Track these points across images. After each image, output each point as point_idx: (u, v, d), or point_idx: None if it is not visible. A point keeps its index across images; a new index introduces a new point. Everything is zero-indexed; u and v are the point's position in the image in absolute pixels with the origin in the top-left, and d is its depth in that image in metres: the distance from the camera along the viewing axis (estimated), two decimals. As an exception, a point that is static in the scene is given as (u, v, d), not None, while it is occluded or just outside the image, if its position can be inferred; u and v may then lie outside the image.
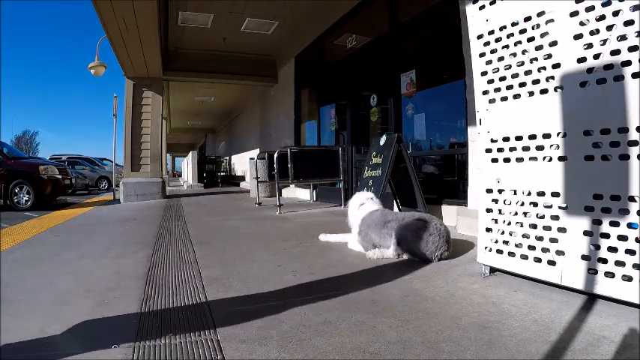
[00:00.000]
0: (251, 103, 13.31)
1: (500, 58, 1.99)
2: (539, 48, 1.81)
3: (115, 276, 2.32)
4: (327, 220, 4.47)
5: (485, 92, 2.08)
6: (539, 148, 1.83)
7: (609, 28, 1.55)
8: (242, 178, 13.70)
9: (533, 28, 1.83)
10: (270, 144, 9.84)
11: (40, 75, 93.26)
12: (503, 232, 2.02)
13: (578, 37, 1.66)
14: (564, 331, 1.43)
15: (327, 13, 6.60)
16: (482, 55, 2.08)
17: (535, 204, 1.86)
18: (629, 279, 1.51)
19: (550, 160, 1.79)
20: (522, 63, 1.89)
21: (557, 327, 1.46)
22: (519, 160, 1.93)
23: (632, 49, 1.48)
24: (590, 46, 1.62)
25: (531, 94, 1.86)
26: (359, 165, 5.81)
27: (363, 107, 6.19)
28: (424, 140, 4.91)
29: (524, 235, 1.91)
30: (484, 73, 2.08)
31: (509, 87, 1.95)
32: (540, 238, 1.83)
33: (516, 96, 1.92)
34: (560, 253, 1.75)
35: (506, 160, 1.99)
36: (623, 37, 1.52)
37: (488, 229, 2.10)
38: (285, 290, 1.98)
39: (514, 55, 1.92)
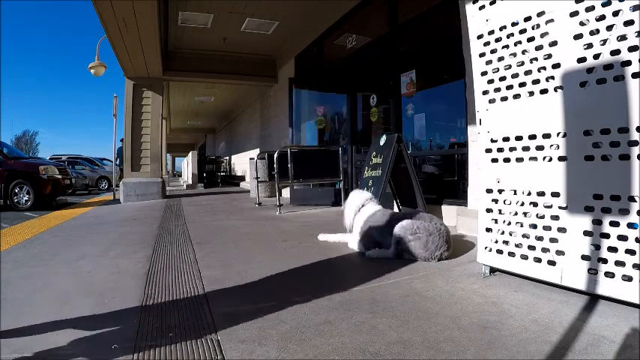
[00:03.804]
0: (251, 103, 13.32)
1: (500, 58, 1.99)
2: (539, 48, 1.81)
3: (115, 276, 2.32)
4: (327, 220, 4.46)
5: (485, 92, 2.08)
6: (539, 148, 1.83)
7: (609, 28, 1.55)
8: (242, 178, 13.70)
9: (533, 28, 1.83)
10: (270, 144, 9.84)
11: (40, 75, 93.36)
12: (503, 232, 2.02)
13: (578, 37, 1.66)
14: (564, 331, 1.43)
15: (327, 13, 6.60)
16: (482, 55, 2.08)
17: (535, 204, 1.86)
18: (629, 279, 1.51)
19: (550, 160, 1.79)
20: (522, 63, 1.89)
21: (557, 327, 1.46)
22: (519, 160, 1.93)
23: (632, 49, 1.48)
24: (590, 46, 1.62)
25: (531, 94, 1.86)
26: (359, 165, 5.82)
27: (363, 107, 6.20)
28: (424, 140, 4.92)
29: (524, 235, 1.91)
30: (484, 73, 2.08)
31: (509, 87, 1.95)
32: (540, 238, 1.83)
33: (516, 96, 1.92)
34: (560, 253, 1.75)
35: (506, 160, 1.99)
36: (623, 37, 1.52)
37: (488, 229, 2.10)
38: (285, 290, 1.98)
39: (514, 55, 1.92)
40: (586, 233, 1.65)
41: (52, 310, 1.76)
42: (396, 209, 4.03)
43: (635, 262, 1.50)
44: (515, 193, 1.96)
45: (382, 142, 3.94)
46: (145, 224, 4.52)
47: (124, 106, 7.92)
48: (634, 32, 1.48)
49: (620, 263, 1.54)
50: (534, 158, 1.86)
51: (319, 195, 6.02)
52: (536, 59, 1.82)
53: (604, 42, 1.57)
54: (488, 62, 2.05)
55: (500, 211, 2.03)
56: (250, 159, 8.21)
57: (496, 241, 2.06)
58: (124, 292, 2.00)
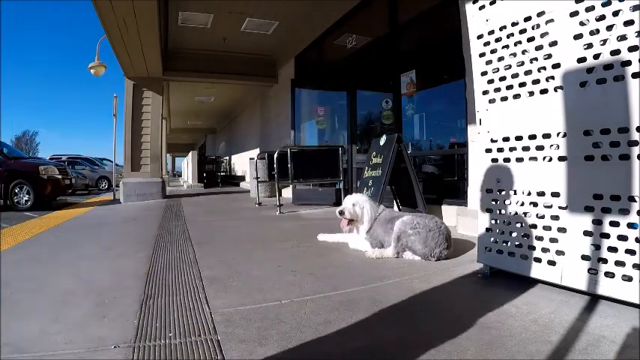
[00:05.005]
0: (251, 103, 13.32)
1: (500, 58, 1.99)
2: (539, 48, 1.81)
3: (115, 276, 2.32)
4: (327, 220, 4.46)
5: (485, 92, 2.08)
6: (539, 148, 1.83)
7: (609, 28, 1.55)
8: (242, 178, 13.70)
9: (533, 28, 1.83)
10: (270, 144, 9.84)
11: (40, 75, 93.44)
12: (503, 232, 2.02)
13: (578, 37, 1.66)
14: (565, 331, 1.43)
15: (327, 13, 6.60)
16: (482, 55, 2.09)
17: (535, 204, 1.86)
18: (629, 279, 1.51)
19: (550, 160, 1.79)
20: (522, 63, 1.89)
21: (557, 327, 1.46)
22: (519, 160, 1.93)
23: (632, 49, 1.49)
24: (590, 46, 1.62)
25: (531, 94, 1.86)
26: (359, 165, 5.82)
27: (363, 107, 6.20)
28: (424, 140, 4.92)
29: (524, 235, 1.91)
30: (484, 73, 2.08)
31: (509, 87, 1.95)
32: (540, 238, 1.83)
33: (516, 96, 1.92)
34: (560, 253, 1.75)
35: (506, 160, 1.99)
36: (623, 37, 1.52)
37: (488, 229, 2.10)
38: (285, 290, 1.98)
39: (514, 55, 1.92)
40: (586, 233, 1.65)
41: (52, 310, 1.76)
42: (396, 209, 4.03)
43: (635, 262, 1.50)
44: (515, 193, 1.96)
45: (382, 142, 3.94)
46: (145, 224, 4.52)
47: (124, 106, 7.91)
48: (634, 32, 1.48)
49: (620, 263, 1.54)
50: (534, 158, 1.86)
51: (321, 195, 6.03)
52: (536, 59, 1.82)
53: (604, 42, 1.57)
54: (488, 62, 2.05)
55: (500, 211, 2.03)
56: (250, 159, 8.21)
57: (496, 241, 2.06)
58: (125, 292, 2.00)
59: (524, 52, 1.88)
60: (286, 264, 2.50)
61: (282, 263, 2.52)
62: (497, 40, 2.00)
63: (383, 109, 5.86)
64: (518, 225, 1.94)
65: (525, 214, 1.91)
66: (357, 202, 2.92)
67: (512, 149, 1.96)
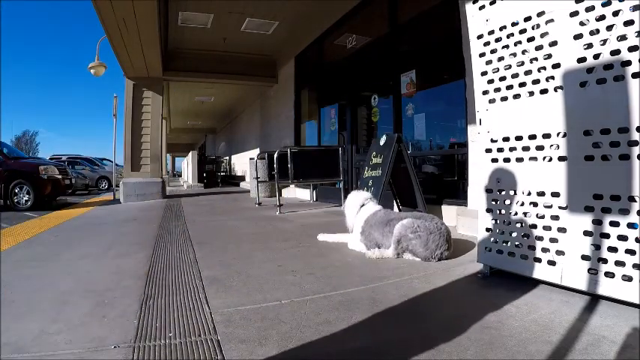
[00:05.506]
0: (251, 103, 13.32)
1: (500, 58, 1.99)
2: (539, 48, 1.81)
3: (115, 276, 2.32)
4: (327, 220, 4.47)
5: (485, 92, 2.08)
6: (539, 148, 1.83)
7: (609, 28, 1.55)
8: (242, 178, 13.71)
9: (533, 28, 1.83)
10: (270, 144, 9.84)
11: (40, 75, 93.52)
12: (503, 232, 2.02)
13: (578, 37, 1.66)
14: (565, 331, 1.43)
15: (327, 13, 6.60)
16: (482, 55, 2.09)
17: (535, 204, 1.86)
18: (629, 279, 1.51)
19: (550, 160, 1.79)
20: (522, 63, 1.89)
21: (557, 327, 1.46)
22: (519, 160, 1.93)
23: (632, 49, 1.49)
24: (590, 46, 1.62)
25: (531, 94, 1.86)
26: (359, 165, 5.82)
27: (364, 107, 6.20)
28: (424, 140, 4.92)
29: (524, 235, 1.91)
30: (484, 73, 2.08)
31: (509, 87, 1.95)
32: (540, 238, 1.83)
33: (516, 96, 1.92)
34: (560, 253, 1.75)
35: (506, 160, 1.99)
36: (623, 37, 1.52)
37: (488, 229, 2.10)
38: (285, 290, 1.98)
39: (514, 55, 1.92)
40: (586, 233, 1.65)
41: (52, 310, 1.76)
42: (396, 209, 4.03)
43: (635, 262, 1.50)
44: (515, 193, 1.96)
45: (382, 142, 3.94)
46: (145, 224, 4.52)
47: (124, 106, 7.92)
48: (634, 32, 1.48)
49: (620, 263, 1.54)
50: (534, 158, 1.86)
51: (339, 194, 6.11)
52: (536, 59, 1.82)
53: (604, 42, 1.57)
54: (488, 62, 2.05)
55: (500, 211, 2.03)
56: (250, 159, 8.22)
57: (496, 241, 2.06)
58: (124, 292, 2.00)
59: (524, 52, 1.88)
60: (286, 264, 2.50)
61: (282, 263, 2.52)
62: (497, 40, 2.00)
63: (372, 107, 5.87)
64: (518, 225, 1.94)
65: (525, 214, 1.91)
66: (348, 201, 3.07)
67: (512, 149, 1.96)
